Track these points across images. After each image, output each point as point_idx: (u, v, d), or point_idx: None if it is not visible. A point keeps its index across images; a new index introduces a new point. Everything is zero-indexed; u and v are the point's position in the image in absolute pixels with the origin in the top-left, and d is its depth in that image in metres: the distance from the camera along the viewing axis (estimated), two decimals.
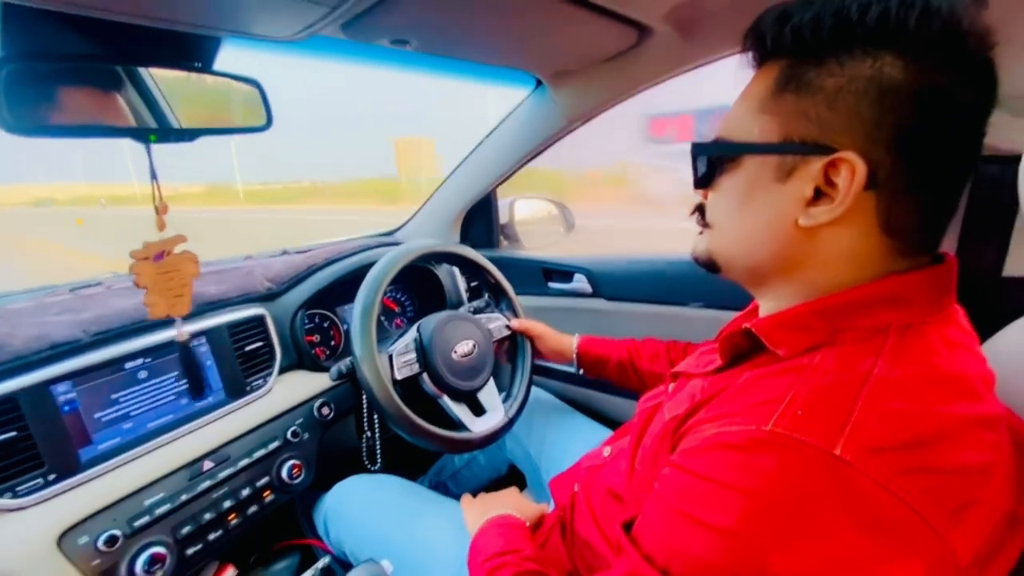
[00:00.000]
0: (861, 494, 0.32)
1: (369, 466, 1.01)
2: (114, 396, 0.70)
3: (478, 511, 0.72)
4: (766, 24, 0.41)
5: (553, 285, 1.27)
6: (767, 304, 0.49)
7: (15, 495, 0.60)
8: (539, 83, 0.98)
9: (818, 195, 0.40)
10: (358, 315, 0.82)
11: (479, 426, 0.89)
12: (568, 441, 0.99)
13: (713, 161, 0.47)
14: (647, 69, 0.82)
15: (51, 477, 0.63)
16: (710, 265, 0.51)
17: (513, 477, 1.12)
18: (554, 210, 1.53)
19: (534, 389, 1.14)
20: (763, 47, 0.43)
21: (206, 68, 0.64)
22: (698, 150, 0.48)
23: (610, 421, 1.02)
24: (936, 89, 0.36)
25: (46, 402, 0.64)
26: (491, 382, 0.97)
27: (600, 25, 0.71)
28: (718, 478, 0.36)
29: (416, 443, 0.83)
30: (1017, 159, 0.52)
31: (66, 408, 0.66)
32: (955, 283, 0.43)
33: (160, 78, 0.59)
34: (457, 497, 0.83)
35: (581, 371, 0.97)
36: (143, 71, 0.58)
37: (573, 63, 0.86)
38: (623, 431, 0.76)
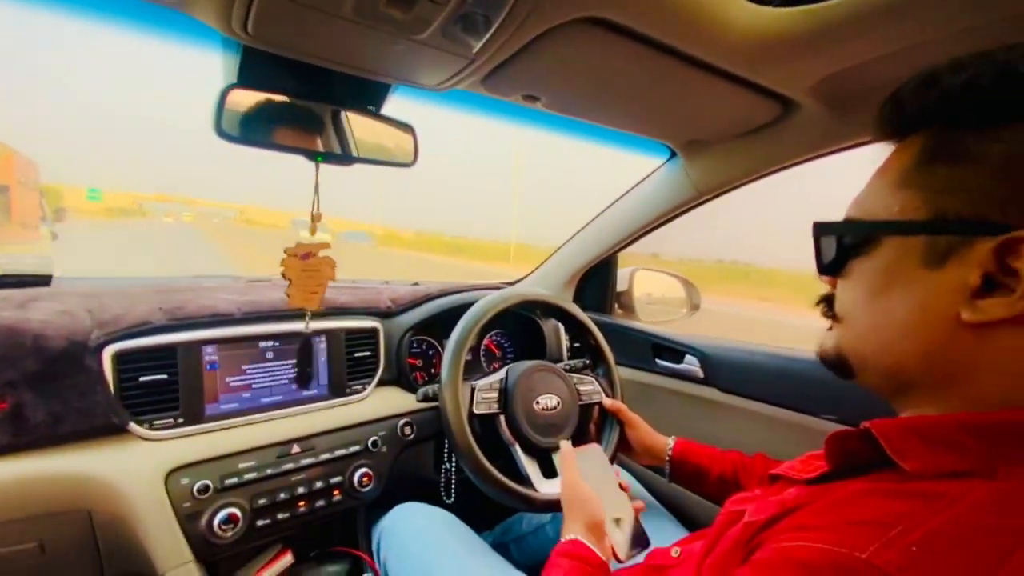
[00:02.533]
0: None
1: (444, 498, 1.01)
2: (244, 367, 0.83)
3: (575, 514, 0.67)
4: (907, 91, 0.37)
5: (661, 363, 1.18)
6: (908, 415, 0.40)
7: (151, 427, 0.73)
8: (673, 154, 0.98)
9: (989, 285, 0.32)
10: (452, 342, 0.86)
11: (545, 487, 0.84)
12: None
13: (843, 244, 0.41)
14: (790, 145, 0.77)
15: (180, 420, 0.75)
16: (840, 366, 0.43)
17: None
18: (679, 287, 1.46)
19: (620, 472, 1.05)
20: (903, 116, 0.38)
21: (376, 111, 0.78)
22: (823, 230, 0.43)
23: (691, 521, 0.89)
24: None
25: (195, 357, 0.77)
26: (568, 445, 0.92)
27: (741, 97, 0.70)
28: None
29: (476, 482, 0.82)
30: None
31: (208, 367, 0.79)
32: None
33: (337, 115, 0.73)
34: (517, 563, 0.78)
35: (671, 479, 0.86)
36: (327, 108, 0.72)
37: (709, 134, 0.84)
38: (700, 534, 0.66)
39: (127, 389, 0.72)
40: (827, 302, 0.45)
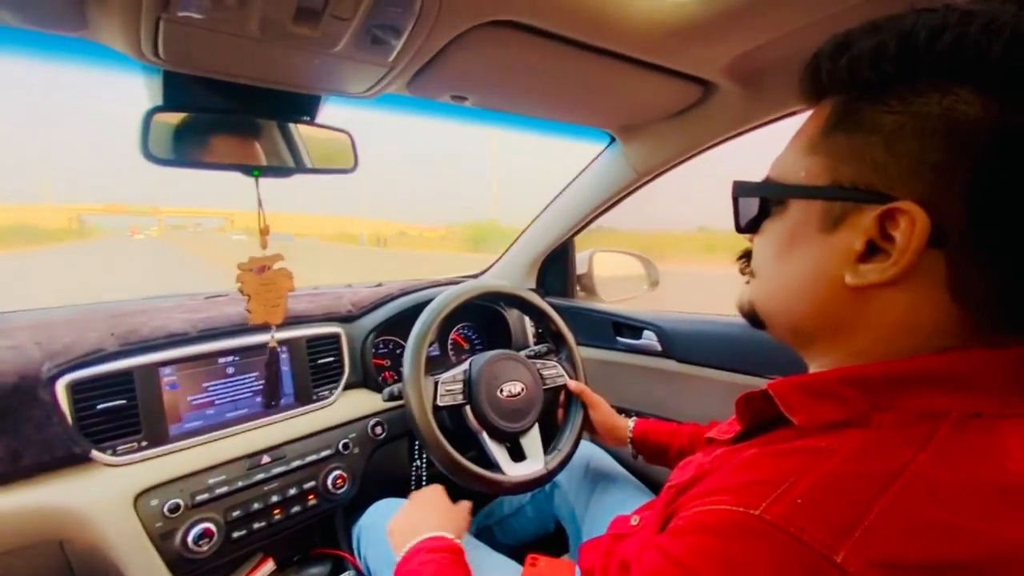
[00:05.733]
0: None
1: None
2: (205, 384, 0.83)
3: (407, 525, 0.72)
4: (823, 55, 0.37)
5: (622, 340, 1.23)
6: (813, 371, 0.43)
7: (115, 453, 0.73)
8: (612, 139, 1.01)
9: (873, 250, 0.34)
10: (412, 339, 0.88)
11: (514, 471, 0.88)
12: (614, 505, 0.93)
13: (759, 203, 0.43)
14: (714, 125, 0.80)
15: (144, 443, 0.76)
16: (753, 318, 0.46)
17: (560, 534, 1.06)
18: (638, 265, 1.50)
19: (590, 446, 1.09)
20: (818, 81, 0.38)
21: (311, 120, 0.78)
22: (741, 190, 0.44)
23: (660, 488, 0.94)
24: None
25: (153, 380, 0.78)
26: (535, 429, 0.96)
27: (661, 83, 0.72)
28: (691, 566, 0.31)
29: (446, 472, 0.84)
30: None
31: (168, 387, 0.79)
32: None
33: (272, 127, 0.74)
34: (500, 545, 0.81)
35: (638, 457, 0.90)
36: (260, 121, 0.73)
37: (640, 119, 0.87)
38: (654, 502, 0.70)
39: (86, 417, 0.72)
40: (747, 257, 0.46)
